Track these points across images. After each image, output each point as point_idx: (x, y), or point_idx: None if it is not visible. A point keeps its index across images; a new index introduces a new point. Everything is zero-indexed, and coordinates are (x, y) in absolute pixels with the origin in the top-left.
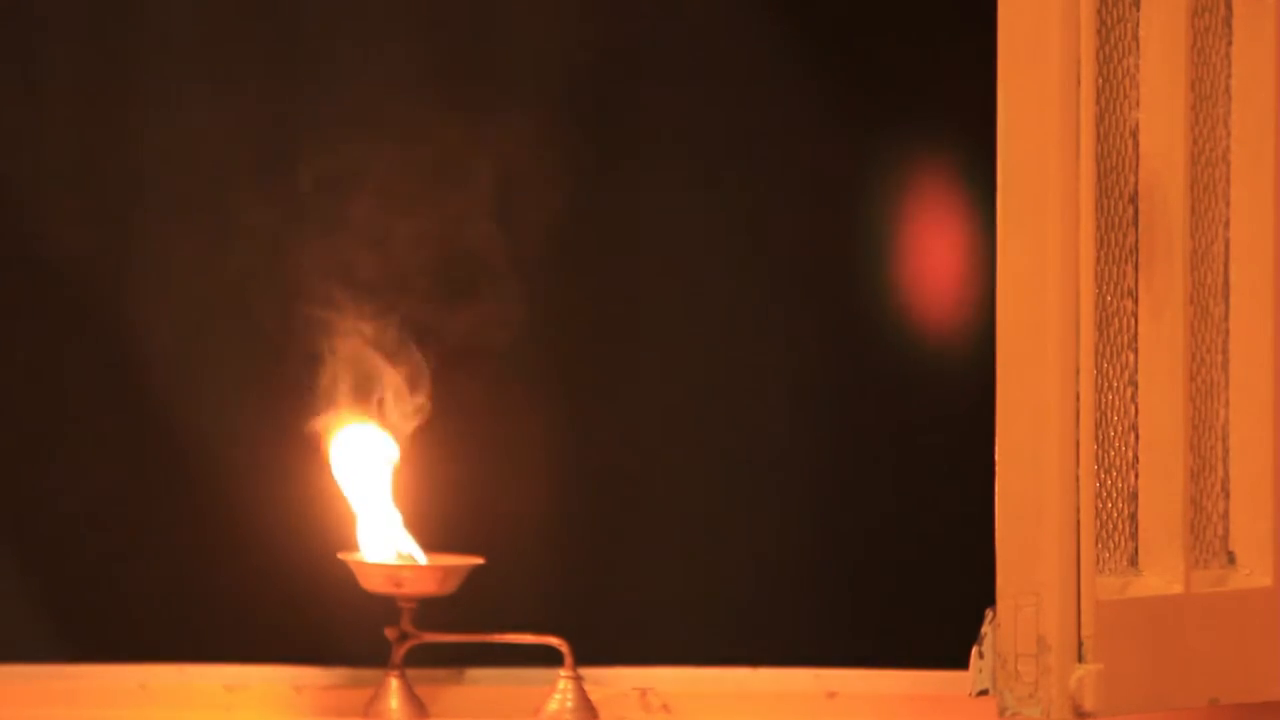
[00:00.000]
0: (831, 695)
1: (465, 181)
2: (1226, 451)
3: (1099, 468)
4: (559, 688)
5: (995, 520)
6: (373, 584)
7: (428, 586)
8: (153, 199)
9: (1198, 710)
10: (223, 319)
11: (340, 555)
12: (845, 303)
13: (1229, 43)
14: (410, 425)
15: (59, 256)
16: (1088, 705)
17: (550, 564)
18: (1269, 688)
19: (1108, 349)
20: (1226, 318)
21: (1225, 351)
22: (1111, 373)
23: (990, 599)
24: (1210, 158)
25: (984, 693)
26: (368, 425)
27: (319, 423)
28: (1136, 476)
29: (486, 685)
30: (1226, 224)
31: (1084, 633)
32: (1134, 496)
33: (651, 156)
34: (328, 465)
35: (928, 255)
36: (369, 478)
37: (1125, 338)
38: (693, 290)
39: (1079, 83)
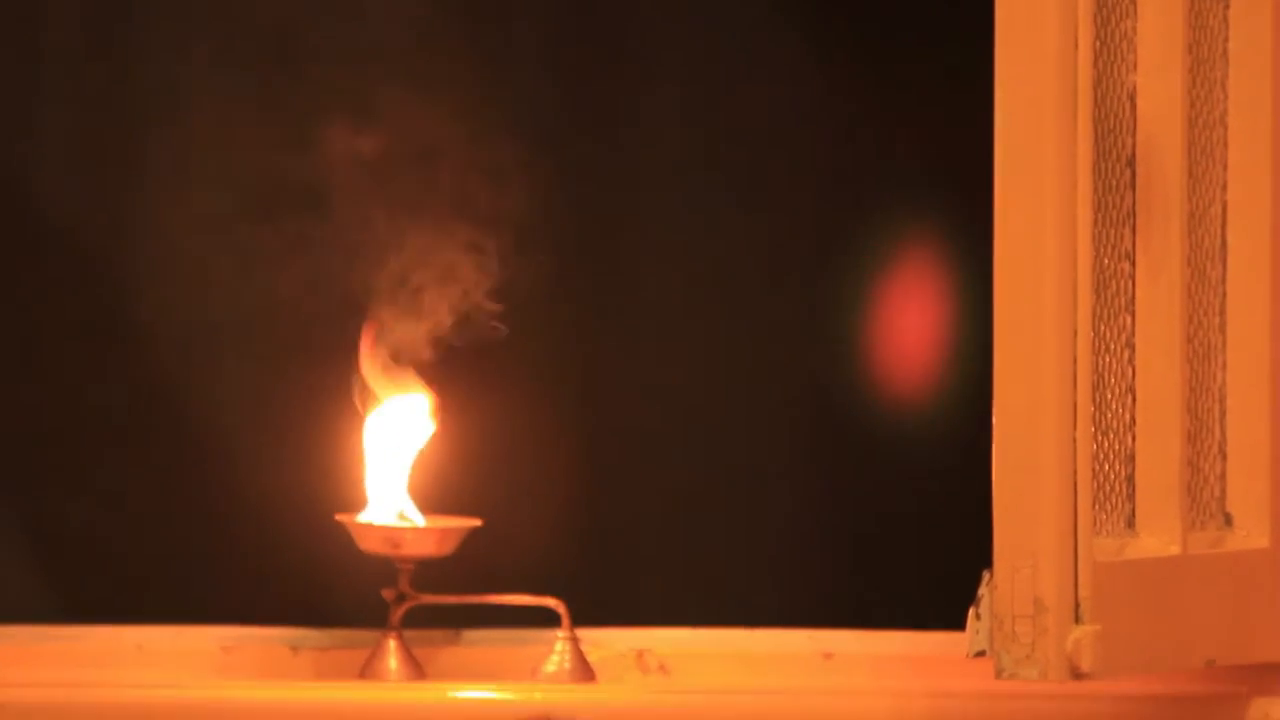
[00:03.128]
0: (828, 656)
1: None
2: (1223, 413)
3: (1096, 430)
4: (556, 649)
5: (993, 482)
6: (370, 545)
7: (425, 548)
8: (155, 151)
9: (1195, 671)
10: (222, 278)
11: (338, 517)
12: (845, 266)
13: (1226, 6)
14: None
15: (57, 211)
16: (1085, 666)
17: (548, 526)
18: (1266, 648)
19: (1105, 311)
20: (1223, 280)
21: (1222, 314)
22: (1109, 335)
23: (987, 561)
24: (1207, 121)
25: (981, 654)
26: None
27: (317, 385)
28: (1133, 439)
29: (484, 646)
30: (1224, 187)
31: (1081, 594)
32: (1131, 458)
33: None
34: (330, 424)
35: (925, 220)
36: (391, 441)
37: (1122, 300)
38: (692, 255)
39: (1076, 46)
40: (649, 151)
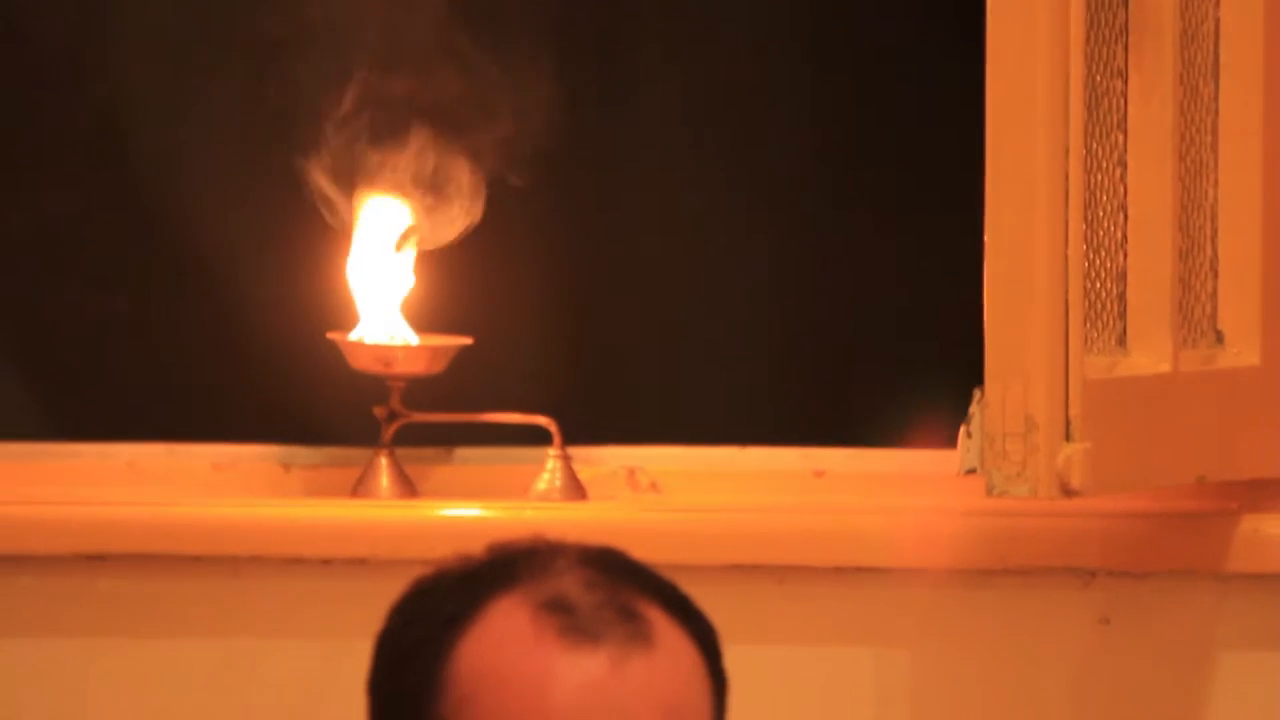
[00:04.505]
0: (819, 474)
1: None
2: (1215, 231)
3: (1087, 248)
4: (547, 467)
5: (984, 300)
6: (362, 363)
7: (417, 366)
8: None
9: (1185, 487)
10: (217, 89)
11: (330, 335)
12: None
13: None
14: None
15: (44, 13)
16: (1075, 483)
17: (539, 345)
18: (1256, 464)
19: (1097, 129)
20: (1216, 98)
21: (1214, 131)
22: (1101, 153)
23: (979, 379)
24: None
25: (972, 471)
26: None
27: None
28: (1125, 256)
29: (475, 464)
30: (1216, 3)
31: (1072, 412)
32: (1122, 276)
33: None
34: (322, 242)
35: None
36: (379, 255)
37: (1115, 118)
38: (690, 77)
39: None
40: None
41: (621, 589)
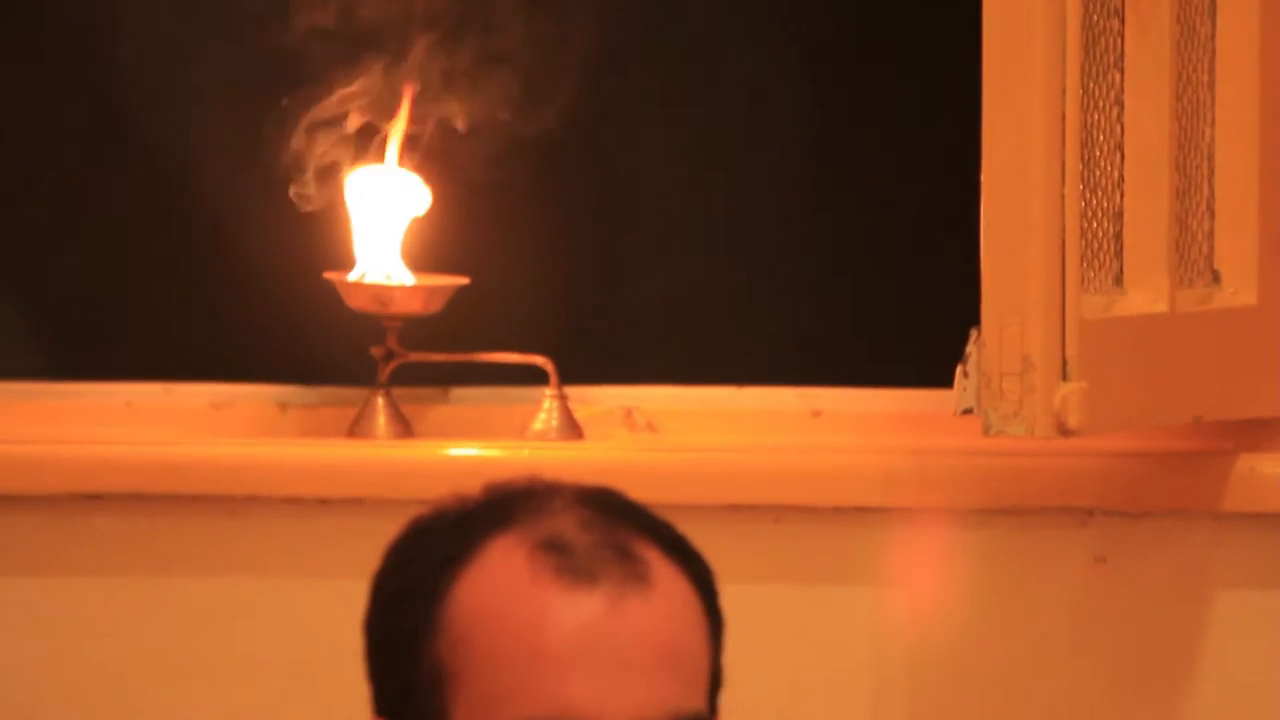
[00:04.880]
0: (816, 414)
1: None
2: (1212, 170)
3: (1084, 188)
4: (544, 406)
5: (981, 240)
6: (359, 303)
7: (413, 306)
8: None
9: (1182, 427)
10: (217, 28)
11: (327, 275)
12: (840, 18)
13: None
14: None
15: None
16: (1072, 423)
17: (536, 283)
18: (1252, 404)
19: (1094, 69)
20: (1213, 36)
21: (1211, 70)
22: (1098, 92)
23: (976, 319)
24: None
25: (969, 411)
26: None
27: (313, 143)
28: (1122, 196)
29: (472, 404)
30: None
31: (1068, 352)
32: (1119, 216)
33: None
34: (319, 182)
35: None
36: (377, 204)
37: (1111, 57)
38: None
39: None
40: None
41: (618, 529)
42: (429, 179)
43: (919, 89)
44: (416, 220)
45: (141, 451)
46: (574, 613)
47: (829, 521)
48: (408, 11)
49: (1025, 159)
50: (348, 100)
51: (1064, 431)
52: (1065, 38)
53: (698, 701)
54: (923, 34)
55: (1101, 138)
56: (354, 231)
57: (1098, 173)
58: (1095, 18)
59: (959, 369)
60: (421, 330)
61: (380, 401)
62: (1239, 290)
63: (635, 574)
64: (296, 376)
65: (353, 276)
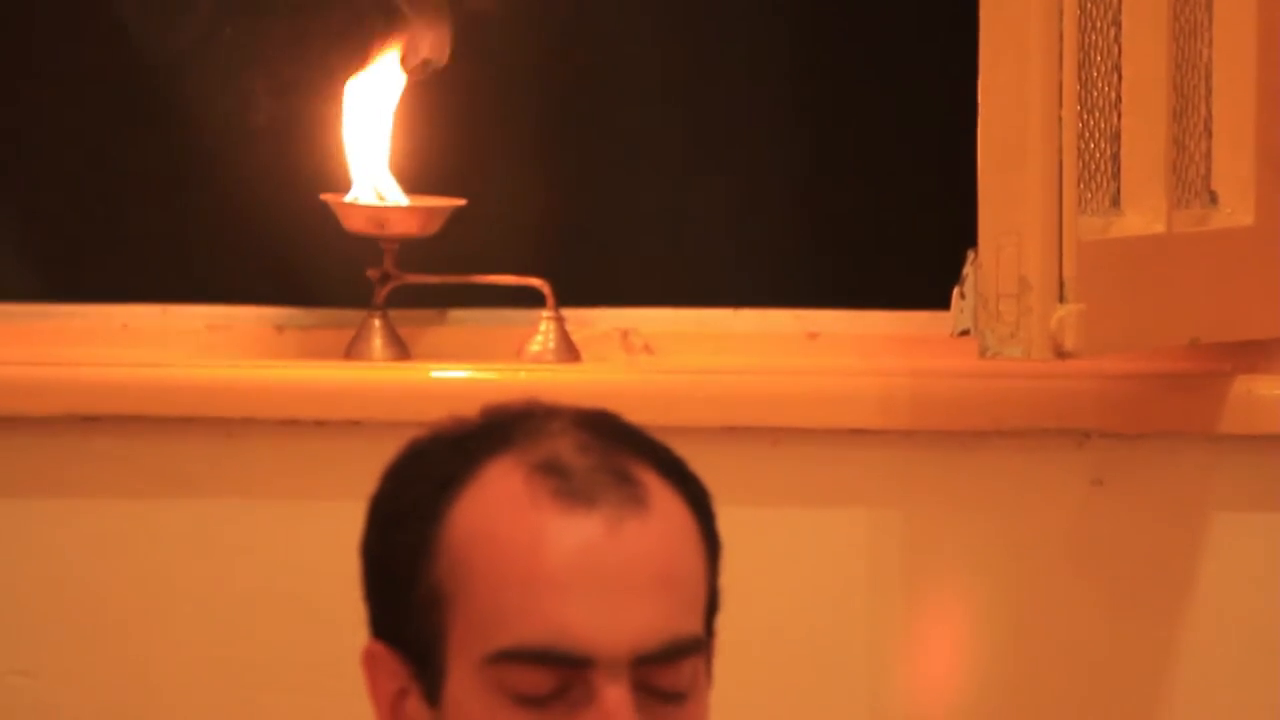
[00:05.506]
0: (813, 336)
1: None
2: (1209, 91)
3: (1081, 108)
4: (541, 329)
5: (978, 161)
6: (355, 225)
7: (410, 227)
8: None
9: (1179, 349)
10: None
11: (323, 196)
12: None
13: None
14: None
15: None
16: (1068, 345)
17: (533, 206)
18: (1250, 326)
19: None
20: None
21: None
22: (1095, 12)
23: (972, 240)
24: None
25: (965, 333)
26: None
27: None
28: (1119, 117)
29: (469, 326)
30: None
31: (1065, 273)
32: (1116, 137)
33: None
34: (316, 103)
35: None
36: (368, 118)
37: None
38: None
39: None
40: None
41: (615, 452)
42: (426, 100)
43: (916, 6)
44: (414, 142)
45: (138, 373)
46: (571, 536)
47: (826, 444)
48: None
49: (1023, 80)
50: (345, 13)
51: (1061, 353)
52: None
53: (695, 624)
54: None
55: (1099, 58)
56: (348, 148)
57: (1095, 94)
58: None
59: (956, 291)
60: (418, 252)
61: (377, 323)
62: (1236, 211)
63: (633, 497)
64: (293, 298)
65: (349, 198)
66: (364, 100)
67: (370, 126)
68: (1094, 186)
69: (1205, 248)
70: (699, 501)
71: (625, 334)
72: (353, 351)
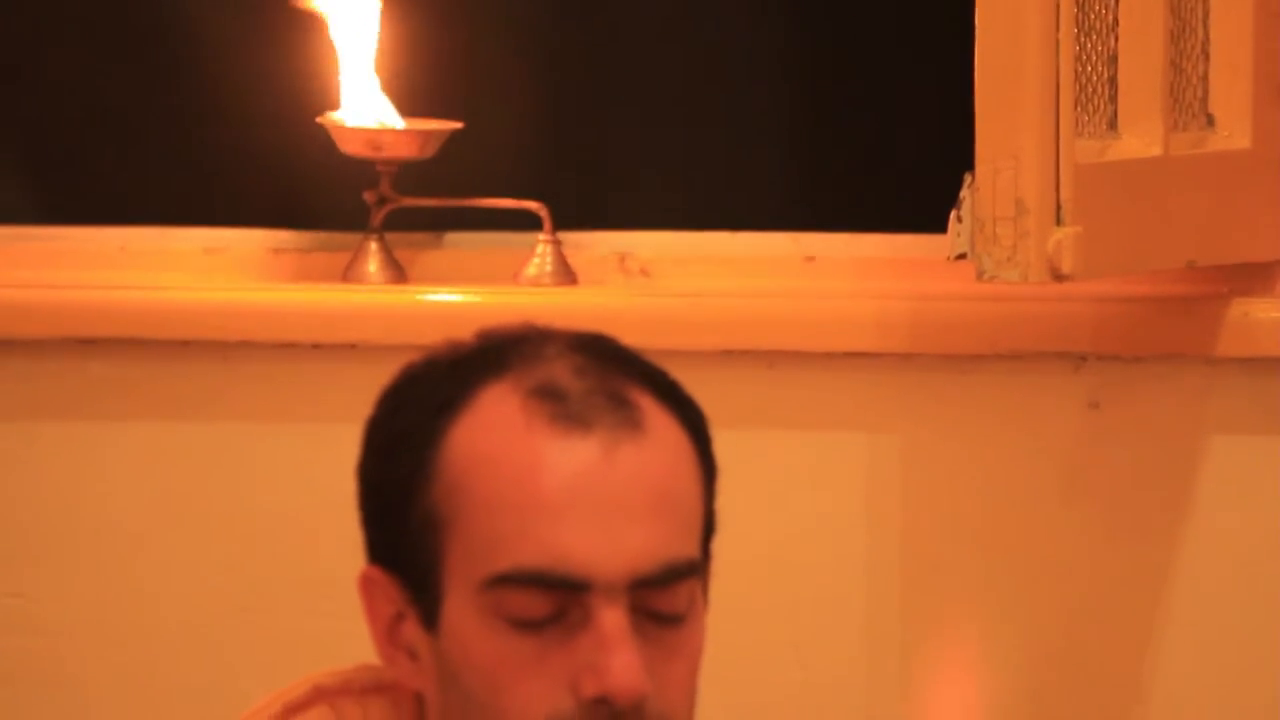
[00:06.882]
0: (810, 259)
1: None
2: (1207, 13)
3: (1078, 31)
4: (538, 252)
5: (975, 84)
6: (351, 148)
7: (407, 150)
8: None
9: (1176, 272)
10: None
11: (319, 119)
12: None
13: None
14: None
15: None
16: (1065, 268)
17: (530, 129)
18: (1247, 248)
19: None
20: None
21: None
22: None
23: (969, 163)
24: None
25: (962, 256)
26: None
27: None
28: (1116, 39)
29: (465, 249)
30: None
31: (1063, 196)
32: (1114, 59)
33: None
34: (313, 25)
35: None
36: (356, 37)
37: None
38: None
39: None
40: None
41: (612, 376)
42: (422, 22)
43: None
44: (412, 65)
45: (135, 296)
46: (568, 459)
47: (822, 367)
48: None
49: (1020, 2)
50: None
51: (1058, 276)
52: None
53: (691, 548)
54: None
55: None
56: (343, 70)
57: (1092, 15)
58: None
59: (953, 214)
60: (415, 175)
61: (373, 246)
62: (1233, 134)
63: (629, 420)
64: (290, 221)
65: (345, 120)
66: (347, 18)
67: (358, 46)
68: (1091, 109)
69: (1202, 170)
70: (695, 425)
71: (622, 257)
72: (349, 275)
